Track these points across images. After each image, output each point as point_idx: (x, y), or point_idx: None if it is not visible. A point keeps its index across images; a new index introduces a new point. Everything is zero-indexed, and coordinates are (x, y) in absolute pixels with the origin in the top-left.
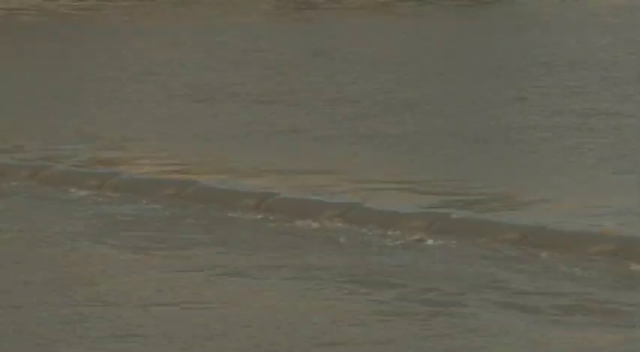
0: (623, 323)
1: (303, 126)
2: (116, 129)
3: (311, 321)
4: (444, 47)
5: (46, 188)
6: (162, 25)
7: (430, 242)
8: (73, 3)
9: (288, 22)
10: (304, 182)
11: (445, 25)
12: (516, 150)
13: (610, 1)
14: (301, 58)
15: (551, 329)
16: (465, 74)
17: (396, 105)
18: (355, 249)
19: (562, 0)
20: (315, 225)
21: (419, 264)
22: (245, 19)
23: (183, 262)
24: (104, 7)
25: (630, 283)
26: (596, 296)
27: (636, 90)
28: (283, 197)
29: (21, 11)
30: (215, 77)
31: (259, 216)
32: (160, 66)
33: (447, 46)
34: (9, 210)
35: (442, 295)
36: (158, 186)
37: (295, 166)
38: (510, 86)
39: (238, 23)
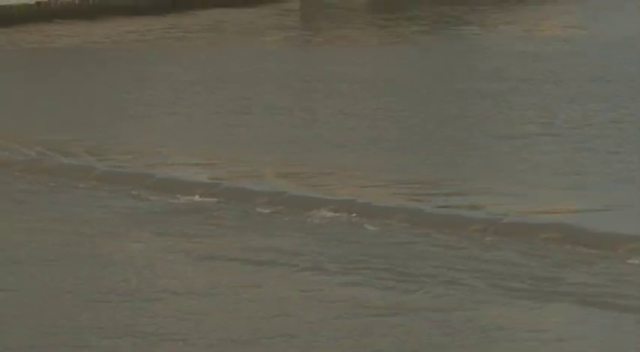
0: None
1: (322, 134)
2: (168, 136)
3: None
4: (430, 70)
5: (108, 186)
6: (194, 50)
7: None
8: (131, 34)
9: (301, 48)
10: (312, 181)
11: (432, 51)
12: (487, 155)
13: (550, 35)
14: (316, 79)
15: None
16: (447, 92)
17: (395, 118)
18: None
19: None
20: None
21: (395, 250)
22: (266, 46)
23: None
24: (158, 38)
25: (573, 262)
26: (542, 273)
27: (571, 108)
28: (293, 194)
29: (90, 42)
30: (249, 92)
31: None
32: (198, 84)
33: (432, 70)
34: (72, 205)
35: (416, 270)
36: (189, 186)
37: (304, 168)
38: (484, 102)
39: (261, 48)
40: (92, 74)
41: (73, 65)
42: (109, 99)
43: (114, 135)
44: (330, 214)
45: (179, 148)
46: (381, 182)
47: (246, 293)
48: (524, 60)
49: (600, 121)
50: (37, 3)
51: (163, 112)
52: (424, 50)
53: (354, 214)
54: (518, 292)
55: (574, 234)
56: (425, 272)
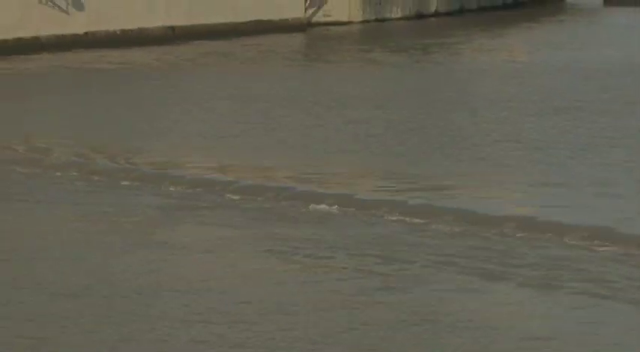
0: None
1: (325, 140)
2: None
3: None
4: (411, 87)
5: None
6: (213, 72)
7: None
8: (159, 59)
9: (303, 70)
10: (312, 178)
11: (413, 73)
12: (460, 154)
13: (511, 59)
14: (318, 95)
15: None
16: (427, 104)
17: (386, 126)
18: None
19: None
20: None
21: (375, 235)
22: (272, 69)
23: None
24: (187, 61)
25: (524, 248)
26: (500, 258)
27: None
28: (299, 190)
29: (129, 65)
30: (262, 108)
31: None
32: (220, 99)
33: (411, 87)
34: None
35: (394, 253)
36: (217, 183)
37: (309, 169)
38: (457, 111)
39: (269, 72)
40: (133, 91)
41: (118, 84)
42: (148, 112)
43: (152, 142)
44: (322, 207)
45: (206, 152)
46: (366, 180)
47: (277, 267)
48: (488, 79)
49: (554, 130)
50: (85, 33)
51: (192, 122)
52: (403, 72)
53: (352, 208)
54: (482, 275)
55: (527, 224)
56: (403, 257)
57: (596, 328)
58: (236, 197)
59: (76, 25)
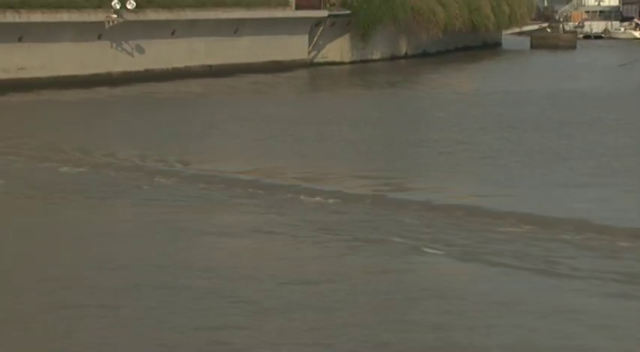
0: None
1: (320, 148)
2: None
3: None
4: (385, 110)
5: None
6: (245, 98)
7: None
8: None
9: (307, 97)
10: (311, 177)
11: (390, 99)
12: (425, 163)
13: (461, 90)
14: (319, 117)
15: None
16: (397, 122)
17: (366, 139)
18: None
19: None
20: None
21: (356, 220)
22: (284, 96)
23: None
24: (213, 90)
25: (471, 230)
26: (456, 239)
27: (480, 133)
28: (303, 187)
29: (174, 93)
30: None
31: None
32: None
33: (386, 109)
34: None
35: (374, 235)
36: (242, 182)
37: (310, 170)
38: (415, 127)
39: (282, 98)
40: (181, 112)
41: (169, 107)
42: (192, 126)
43: (195, 148)
44: (317, 200)
45: (237, 157)
46: (354, 179)
47: (289, 244)
48: (447, 103)
49: (495, 140)
50: (145, 70)
51: (226, 135)
52: (385, 98)
53: (338, 199)
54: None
55: (474, 211)
56: (377, 237)
57: (502, 285)
58: (260, 191)
59: (138, 64)
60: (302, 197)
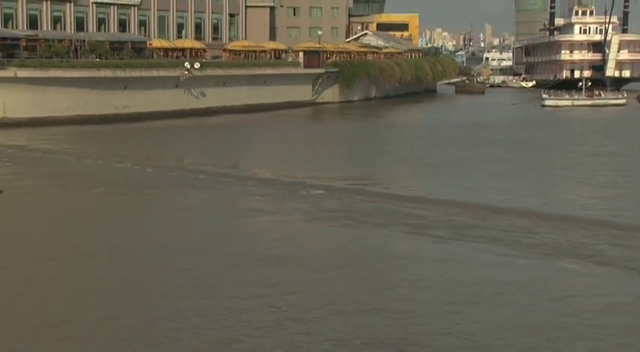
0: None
1: (319, 159)
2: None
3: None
4: (367, 133)
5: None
6: (264, 126)
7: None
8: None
9: (310, 125)
10: (312, 176)
11: (368, 125)
12: (393, 170)
13: (411, 119)
14: (317, 137)
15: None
16: (372, 140)
17: (350, 152)
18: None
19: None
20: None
21: (342, 207)
22: (294, 125)
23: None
24: (259, 119)
25: (422, 216)
26: (419, 221)
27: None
28: (305, 183)
29: (226, 122)
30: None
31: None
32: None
33: (368, 132)
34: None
35: (356, 216)
36: (268, 182)
37: (310, 173)
38: (384, 144)
39: (293, 126)
40: (230, 135)
41: (223, 132)
42: (239, 144)
43: (241, 159)
44: (319, 192)
45: (259, 164)
46: (343, 179)
47: (297, 228)
48: (402, 128)
49: (448, 154)
50: (207, 107)
51: (262, 152)
52: (364, 125)
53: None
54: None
55: (425, 201)
56: (362, 219)
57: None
58: (281, 190)
59: (202, 103)
60: (305, 191)
